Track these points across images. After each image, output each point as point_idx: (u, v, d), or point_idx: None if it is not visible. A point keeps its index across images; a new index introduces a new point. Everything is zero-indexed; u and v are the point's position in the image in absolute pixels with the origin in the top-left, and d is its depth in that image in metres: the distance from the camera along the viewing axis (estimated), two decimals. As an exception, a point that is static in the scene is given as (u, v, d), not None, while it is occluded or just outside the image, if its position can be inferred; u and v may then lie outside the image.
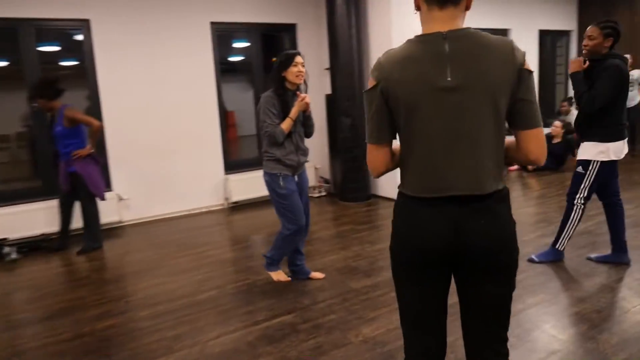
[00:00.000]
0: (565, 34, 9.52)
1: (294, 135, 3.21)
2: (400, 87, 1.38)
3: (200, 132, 5.86)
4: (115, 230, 5.27)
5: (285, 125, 3.13)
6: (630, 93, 6.75)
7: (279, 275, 3.52)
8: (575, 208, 3.40)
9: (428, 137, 1.38)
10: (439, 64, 1.35)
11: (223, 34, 6.15)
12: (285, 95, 3.18)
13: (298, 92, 3.18)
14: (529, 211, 5.09)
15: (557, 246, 3.55)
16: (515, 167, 7.35)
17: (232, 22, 5.97)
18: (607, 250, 3.56)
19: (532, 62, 8.78)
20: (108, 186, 5.35)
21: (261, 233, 4.86)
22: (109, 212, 5.22)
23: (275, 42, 6.81)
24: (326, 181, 6.60)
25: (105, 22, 5.19)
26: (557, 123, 7.07)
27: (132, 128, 5.44)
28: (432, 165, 1.40)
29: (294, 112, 3.14)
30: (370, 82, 1.46)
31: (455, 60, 1.35)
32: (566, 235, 3.49)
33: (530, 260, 3.58)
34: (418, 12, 1.48)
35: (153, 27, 5.46)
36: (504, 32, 8.43)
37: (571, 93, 9.42)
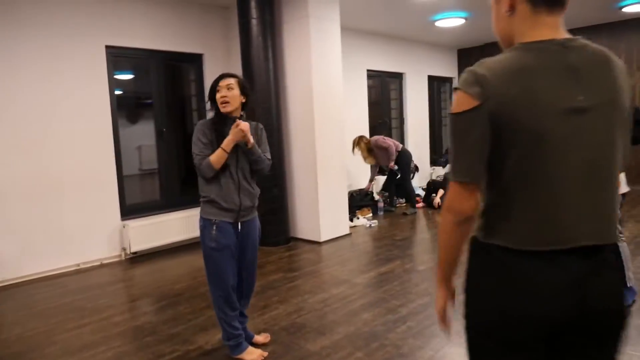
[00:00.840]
0: (448, 80, 10.30)
1: (235, 171, 2.63)
2: (521, 109, 1.07)
3: (92, 170, 4.98)
4: (-23, 297, 4.13)
5: (215, 157, 2.56)
6: None
7: (252, 355, 2.79)
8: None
9: (553, 172, 1.08)
10: (566, 79, 1.08)
11: (120, 60, 5.41)
12: (221, 123, 2.66)
13: (238, 120, 2.63)
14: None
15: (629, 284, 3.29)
16: (422, 203, 7.51)
17: (130, 47, 5.28)
18: None
19: (423, 105, 9.29)
20: (-32, 240, 4.22)
21: (175, 289, 4.14)
22: (-32, 273, 4.09)
23: (180, 73, 6.21)
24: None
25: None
26: None
27: (2, 164, 4.40)
28: (555, 208, 1.09)
29: (226, 142, 2.57)
30: (465, 102, 1.12)
31: (584, 75, 1.08)
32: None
33: None
34: (510, 13, 1.19)
35: (35, 46, 4.56)
36: (400, 75, 8.82)
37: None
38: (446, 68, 10.09)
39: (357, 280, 4.09)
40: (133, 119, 6.57)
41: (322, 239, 5.47)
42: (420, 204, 7.50)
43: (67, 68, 4.77)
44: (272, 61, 5.26)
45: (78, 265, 4.89)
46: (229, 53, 6.09)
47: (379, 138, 7.08)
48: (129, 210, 5.33)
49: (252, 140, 2.61)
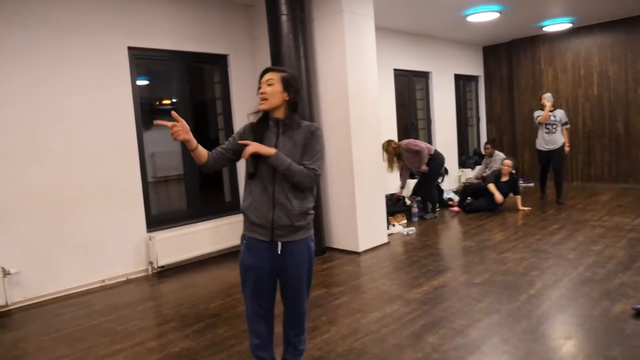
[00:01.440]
0: (474, 78, 9.92)
1: (269, 181, 2.22)
2: None
3: (114, 179, 4.66)
4: (-3, 319, 3.83)
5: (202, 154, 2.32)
6: (552, 135, 6.91)
7: None
8: None
9: None
10: None
11: (143, 62, 5.10)
12: (263, 125, 2.30)
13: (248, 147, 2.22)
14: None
15: None
16: (457, 208, 7.12)
17: (153, 48, 4.97)
18: None
19: (450, 105, 8.92)
20: (-13, 258, 3.92)
21: (210, 308, 3.80)
22: (-12, 294, 3.78)
23: (204, 75, 5.91)
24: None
25: (-14, 38, 3.92)
26: (508, 162, 6.97)
27: (21, 175, 4.10)
28: None
29: (247, 150, 2.20)
30: None
31: None
32: None
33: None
34: None
35: (53, 48, 4.27)
36: (426, 74, 8.47)
37: (483, 136, 9.77)
38: (472, 66, 9.73)
39: (410, 296, 3.72)
40: (146, 125, 6.26)
41: (361, 249, 5.11)
42: (456, 209, 7.11)
43: (88, 71, 4.47)
44: (303, 60, 4.93)
45: (103, 281, 4.57)
46: (254, 53, 5.77)
47: (410, 141, 6.71)
48: (155, 221, 5.01)
49: (270, 151, 2.19)
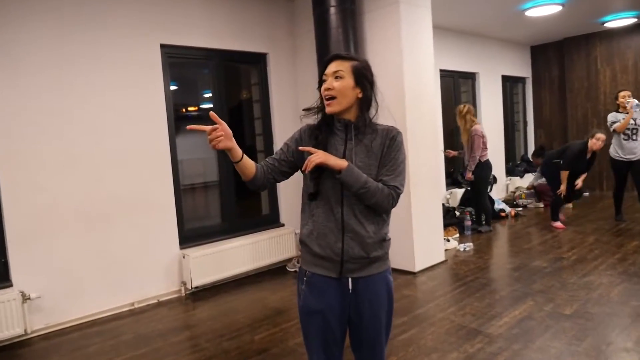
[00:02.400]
0: (521, 80, 9.26)
1: (337, 201, 1.70)
2: None
3: (145, 191, 4.21)
4: (18, 349, 3.37)
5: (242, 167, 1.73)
6: (634, 143, 5.75)
7: None
8: None
9: None
10: None
11: (175, 64, 4.65)
12: (326, 128, 1.77)
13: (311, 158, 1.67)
14: None
15: None
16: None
17: (187, 45, 4.52)
18: None
19: (497, 108, 8.30)
20: (4, 279, 3.49)
21: (256, 341, 3.29)
22: (7, 320, 3.34)
23: (240, 76, 5.45)
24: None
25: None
26: (602, 135, 5.60)
27: (42, 189, 3.66)
28: None
29: (310, 160, 1.65)
30: None
31: None
32: None
33: None
34: None
35: (75, 47, 3.84)
36: (473, 75, 7.88)
37: (530, 142, 8.91)
38: (519, 67, 9.07)
39: (492, 331, 3.14)
40: (176, 132, 5.85)
41: (417, 269, 4.54)
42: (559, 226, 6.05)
43: (118, 71, 4.03)
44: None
45: (132, 304, 4.10)
46: (296, 52, 5.28)
47: (479, 127, 6.01)
48: (188, 236, 4.54)
49: (341, 164, 1.64)
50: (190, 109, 5.81)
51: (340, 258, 1.69)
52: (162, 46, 4.34)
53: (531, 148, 9.48)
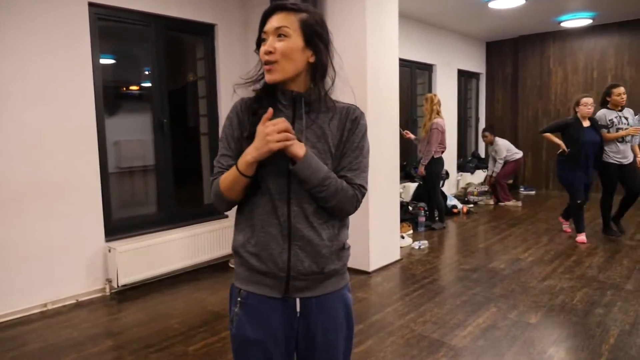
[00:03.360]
0: (475, 75, 9.18)
1: (283, 201, 1.29)
2: None
3: (65, 175, 3.60)
4: None
5: (225, 179, 1.30)
6: (627, 145, 5.08)
7: None
8: None
9: None
10: None
11: (107, 27, 4.03)
12: (264, 103, 1.32)
13: (270, 110, 1.25)
14: None
15: None
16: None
17: (122, 7, 3.91)
18: None
19: (452, 103, 8.15)
20: None
21: (190, 350, 2.82)
22: None
23: (184, 49, 4.88)
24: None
25: None
26: (588, 100, 4.88)
27: None
28: None
29: (244, 156, 1.24)
30: None
31: None
32: None
33: None
34: None
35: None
36: (430, 66, 7.66)
37: (481, 138, 8.75)
38: (474, 62, 8.98)
39: (456, 342, 2.85)
40: (111, 110, 5.20)
41: (372, 268, 4.21)
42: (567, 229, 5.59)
43: (34, 32, 3.38)
44: (313, 33, 3.97)
45: (45, 305, 3.50)
46: (247, 24, 4.78)
47: (441, 123, 5.73)
48: (116, 227, 3.97)
49: (298, 151, 1.23)
50: (132, 88, 5.18)
51: (286, 274, 1.30)
52: (91, 4, 3.71)
53: (482, 145, 9.46)
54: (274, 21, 1.28)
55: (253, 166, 1.24)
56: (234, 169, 1.25)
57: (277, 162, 1.25)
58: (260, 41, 1.32)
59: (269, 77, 1.29)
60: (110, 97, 5.19)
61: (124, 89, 5.48)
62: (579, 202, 4.97)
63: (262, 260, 1.30)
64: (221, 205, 1.36)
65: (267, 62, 1.28)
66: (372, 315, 3.28)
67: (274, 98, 1.33)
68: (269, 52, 1.27)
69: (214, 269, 4.39)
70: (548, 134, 5.20)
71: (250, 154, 1.22)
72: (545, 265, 4.30)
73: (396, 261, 4.51)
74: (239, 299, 1.35)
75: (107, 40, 4.16)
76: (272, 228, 1.29)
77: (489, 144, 7.75)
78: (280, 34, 1.27)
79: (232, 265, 4.36)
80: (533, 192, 8.51)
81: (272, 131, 1.19)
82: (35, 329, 3.20)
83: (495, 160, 7.53)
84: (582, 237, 5.04)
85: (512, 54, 8.93)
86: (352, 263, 4.16)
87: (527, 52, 8.64)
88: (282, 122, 1.20)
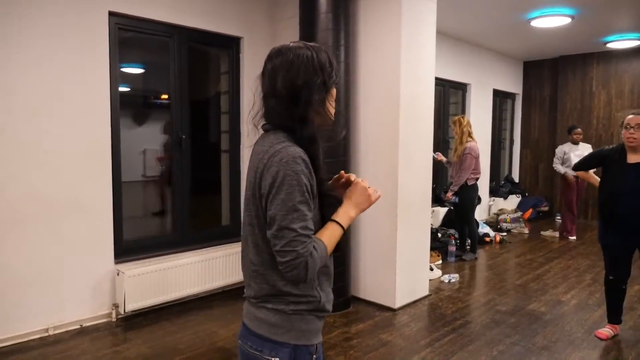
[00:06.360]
0: (511, 96, 8.77)
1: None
2: None
3: (73, 191, 3.39)
4: None
5: (328, 238, 1.25)
6: None
7: None
8: None
9: None
10: None
11: (137, 37, 3.85)
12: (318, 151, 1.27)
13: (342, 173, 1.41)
14: None
15: None
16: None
17: (144, 17, 3.73)
18: None
19: (487, 123, 7.76)
20: None
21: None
22: None
23: (207, 63, 4.68)
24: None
25: None
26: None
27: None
28: None
29: (350, 206, 1.33)
30: None
31: None
32: None
33: None
34: None
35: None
36: (464, 85, 7.31)
37: (515, 162, 8.05)
38: (511, 82, 8.56)
39: (494, 406, 2.48)
40: (140, 119, 5.06)
41: (397, 305, 3.87)
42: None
43: (50, 41, 3.21)
44: (344, 49, 3.71)
45: (46, 330, 3.28)
46: (275, 39, 4.54)
47: (475, 147, 5.34)
48: (126, 249, 3.74)
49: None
50: (163, 97, 5.04)
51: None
52: (111, 14, 3.54)
53: (516, 168, 9.03)
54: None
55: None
56: (334, 228, 1.27)
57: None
58: (330, 85, 1.28)
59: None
60: (138, 106, 5.07)
61: (153, 98, 5.33)
62: (610, 277, 3.36)
63: (331, 304, 1.35)
64: (317, 271, 1.23)
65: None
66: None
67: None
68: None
69: (228, 295, 4.11)
70: (582, 173, 3.65)
71: (353, 209, 1.32)
72: (590, 312, 3.87)
73: (424, 297, 4.15)
74: (314, 356, 1.29)
75: (137, 49, 4.00)
76: (332, 269, 1.37)
77: (573, 142, 6.65)
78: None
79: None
80: (566, 220, 7.99)
81: (368, 188, 1.33)
82: (32, 357, 2.96)
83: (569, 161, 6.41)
84: (605, 331, 3.36)
85: (551, 75, 8.49)
86: (376, 298, 3.86)
87: (568, 73, 8.19)
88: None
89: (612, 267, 3.32)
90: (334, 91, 1.30)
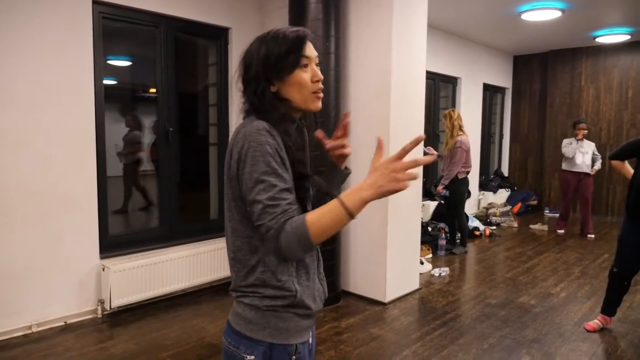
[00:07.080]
0: (501, 90, 8.78)
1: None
2: None
3: (57, 183, 3.31)
4: None
5: (326, 218, 1.08)
6: None
7: None
8: None
9: None
10: None
11: (123, 28, 3.76)
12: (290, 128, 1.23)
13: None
14: None
15: None
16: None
17: (129, 6, 3.63)
18: None
19: (476, 117, 7.76)
20: None
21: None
22: None
23: (195, 54, 4.60)
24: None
25: None
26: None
27: None
28: None
29: (366, 186, 1.09)
30: None
31: None
32: None
33: None
34: None
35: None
36: (454, 79, 7.30)
37: (505, 156, 8.21)
38: (501, 76, 8.58)
39: (486, 400, 2.46)
40: (127, 112, 4.99)
41: (388, 299, 3.84)
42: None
43: (32, 30, 3.11)
44: (334, 41, 3.65)
45: (29, 327, 3.20)
46: (263, 29, 4.42)
47: (466, 141, 5.33)
48: (113, 243, 3.66)
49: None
50: (151, 90, 4.96)
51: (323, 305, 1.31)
52: (95, 2, 3.44)
53: (505, 162, 9.06)
54: (312, 50, 1.22)
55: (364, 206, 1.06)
56: (333, 207, 1.06)
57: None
58: (294, 65, 1.18)
59: (319, 105, 1.24)
60: (126, 99, 4.98)
61: (140, 91, 5.24)
62: (614, 270, 3.26)
63: (316, 301, 1.26)
64: (301, 253, 1.12)
65: (318, 90, 1.22)
66: (389, 359, 2.91)
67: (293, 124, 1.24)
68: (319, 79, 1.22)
69: (216, 291, 4.05)
70: (617, 162, 3.42)
71: (368, 190, 1.05)
72: (580, 304, 3.88)
73: (415, 290, 4.13)
74: (294, 357, 1.21)
75: (124, 42, 3.91)
76: (314, 262, 1.27)
77: (579, 138, 6.26)
78: (316, 63, 1.24)
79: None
80: (557, 215, 8.04)
81: (402, 168, 1.04)
82: (14, 356, 2.89)
83: (593, 161, 6.28)
84: (593, 323, 3.35)
85: (540, 69, 8.51)
86: (366, 292, 3.82)
87: (557, 68, 8.21)
88: (412, 160, 1.05)
89: (627, 262, 3.18)
90: (301, 76, 1.19)
